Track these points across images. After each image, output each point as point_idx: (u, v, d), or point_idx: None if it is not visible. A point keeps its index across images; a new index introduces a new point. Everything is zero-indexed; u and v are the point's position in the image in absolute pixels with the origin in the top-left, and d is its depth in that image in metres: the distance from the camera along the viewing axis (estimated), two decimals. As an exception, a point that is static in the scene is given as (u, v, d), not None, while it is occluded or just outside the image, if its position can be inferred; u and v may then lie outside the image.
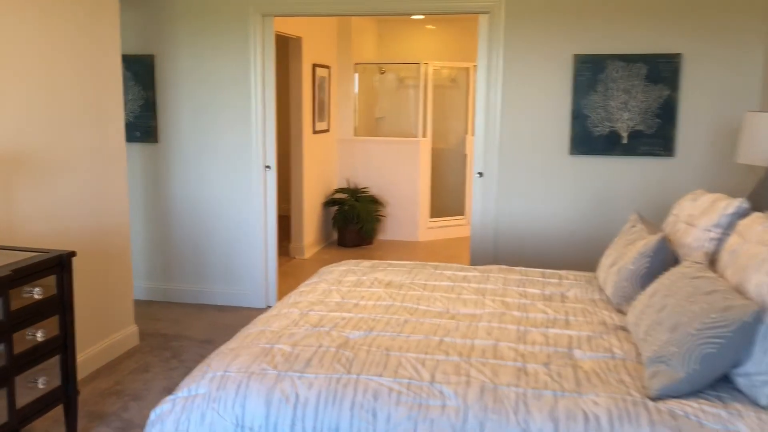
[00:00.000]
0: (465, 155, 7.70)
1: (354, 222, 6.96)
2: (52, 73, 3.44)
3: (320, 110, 6.87)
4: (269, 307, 5.06)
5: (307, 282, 3.25)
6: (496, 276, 3.22)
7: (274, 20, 4.82)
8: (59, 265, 2.93)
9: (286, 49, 6.33)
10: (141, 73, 4.93)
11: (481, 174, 4.60)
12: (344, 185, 7.47)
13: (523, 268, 3.38)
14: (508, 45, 4.41)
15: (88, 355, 3.78)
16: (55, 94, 3.46)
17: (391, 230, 7.48)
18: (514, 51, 4.41)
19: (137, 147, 5.03)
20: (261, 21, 4.75)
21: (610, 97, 4.29)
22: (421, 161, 7.31)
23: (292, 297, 2.96)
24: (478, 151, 4.59)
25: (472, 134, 7.73)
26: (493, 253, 4.63)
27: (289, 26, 5.91)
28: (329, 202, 7.18)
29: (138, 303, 4.95)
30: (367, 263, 3.50)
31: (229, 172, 4.93)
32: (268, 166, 4.92)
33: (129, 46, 4.87)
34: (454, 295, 2.90)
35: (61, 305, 2.96)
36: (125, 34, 4.79)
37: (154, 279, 5.18)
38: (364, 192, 7.33)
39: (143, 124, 4.98)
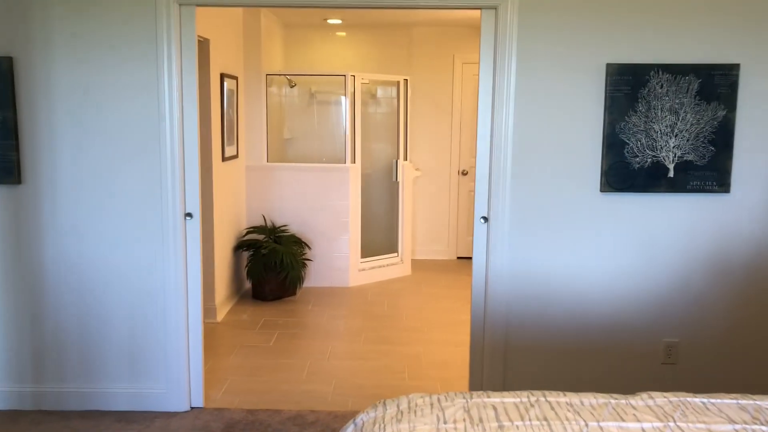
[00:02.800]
0: (397, 183, 6.59)
1: (275, 270, 5.62)
2: None
3: (229, 131, 5.49)
4: (194, 409, 3.64)
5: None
6: (694, 428, 2.01)
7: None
8: None
9: (188, 54, 4.91)
10: (-7, 83, 3.37)
11: (485, 219, 3.50)
12: (257, 223, 6.10)
13: (710, 399, 2.20)
14: (521, 52, 3.36)
15: None
16: None
17: (315, 275, 6.20)
18: (529, 59, 3.36)
19: (-11, 191, 3.46)
20: (177, 12, 3.38)
21: (654, 118, 3.35)
22: (351, 191, 6.11)
23: None
24: (482, 189, 3.49)
25: (405, 159, 6.68)
26: (504, 330, 3.53)
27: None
28: (241, 245, 5.79)
29: (-3, 422, 3.37)
30: (463, 416, 2.05)
31: (131, 223, 3.49)
32: (189, 214, 3.53)
33: (-26, 43, 3.32)
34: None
35: None
36: (-32, 26, 3.25)
37: (21, 380, 3.59)
38: (283, 231, 6.00)
39: (-2, 158, 3.42)
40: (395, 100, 6.88)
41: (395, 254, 6.63)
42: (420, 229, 7.36)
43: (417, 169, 7.17)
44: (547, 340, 3.53)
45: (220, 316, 5.24)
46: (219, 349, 4.57)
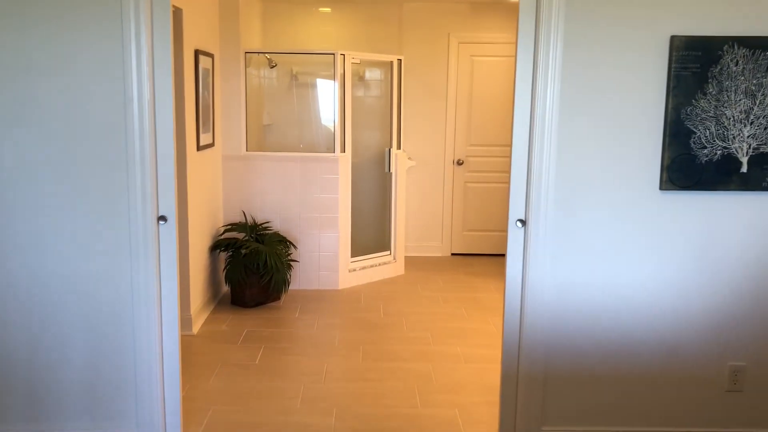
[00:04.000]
0: (389, 174, 5.99)
1: (258, 273, 4.99)
2: None
3: (205, 116, 4.82)
4: (171, 451, 3.02)
5: None
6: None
7: (168, -32, 2.79)
8: None
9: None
10: None
11: (523, 222, 2.93)
12: (236, 219, 5.46)
13: None
14: (569, 23, 2.77)
15: None
16: None
17: (301, 277, 5.59)
18: (578, 32, 2.78)
19: None
20: (147, -34, 2.72)
21: (726, 102, 2.81)
22: (341, 183, 5.49)
23: None
24: (518, 186, 2.91)
25: (398, 147, 6.08)
26: (544, 354, 2.97)
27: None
28: (218, 245, 5.14)
29: None
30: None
31: (90, 230, 2.84)
32: (162, 218, 2.89)
33: None
34: None
35: None
36: None
37: (-46, 422, 2.94)
38: (266, 228, 5.36)
39: None
40: (385, 83, 6.28)
41: (387, 252, 6.04)
42: (412, 224, 6.78)
43: (410, 159, 6.58)
44: (594, 364, 2.98)
45: (196, 327, 4.60)
46: (197, 369, 3.94)
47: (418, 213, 6.77)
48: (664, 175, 2.85)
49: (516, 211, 2.93)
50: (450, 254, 6.86)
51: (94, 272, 2.86)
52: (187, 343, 4.34)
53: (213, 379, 3.80)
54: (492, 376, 3.90)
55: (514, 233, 2.95)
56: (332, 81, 5.51)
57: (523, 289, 2.96)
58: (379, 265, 5.92)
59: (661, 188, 2.87)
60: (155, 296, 2.90)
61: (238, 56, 5.32)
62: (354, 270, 5.72)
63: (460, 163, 6.72)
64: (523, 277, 2.96)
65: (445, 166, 6.72)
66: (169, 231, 2.91)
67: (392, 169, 5.94)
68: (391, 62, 5.88)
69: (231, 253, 5.10)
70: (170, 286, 2.94)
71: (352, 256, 5.75)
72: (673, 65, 2.78)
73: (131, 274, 2.87)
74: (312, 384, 3.77)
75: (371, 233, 6.23)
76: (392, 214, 6.00)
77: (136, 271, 2.86)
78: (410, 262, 6.56)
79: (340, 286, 5.62)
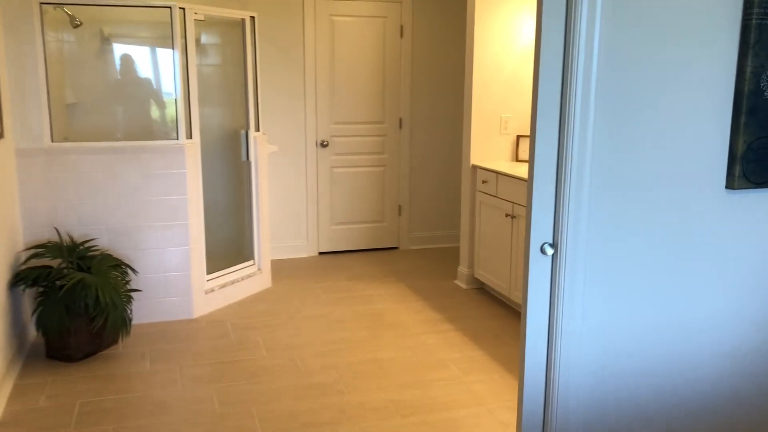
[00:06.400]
0: (248, 163, 4.73)
1: (86, 314, 3.55)
2: None
3: (-13, 96, 3.26)
4: None
5: None
6: None
7: None
8: None
9: None
10: None
11: (553, 248, 1.95)
12: (44, 238, 3.91)
13: None
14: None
15: None
16: None
17: (143, 308, 4.19)
18: (630, -47, 1.84)
19: None
20: None
21: (812, 64, 2.03)
22: (189, 180, 4.15)
23: None
24: (543, 196, 1.93)
25: (256, 129, 4.82)
26: None
27: None
28: (20, 279, 3.60)
29: None
30: None
31: None
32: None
33: None
34: None
35: None
36: None
37: None
38: (90, 249, 3.89)
39: None
40: (226, 48, 4.99)
41: (251, 262, 4.81)
42: (272, 222, 5.58)
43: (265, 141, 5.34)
44: (651, 443, 2.12)
45: (-1, 408, 3.11)
46: (11, 492, 2.53)
47: (279, 207, 5.58)
48: (736, 168, 2.03)
49: (540, 232, 1.94)
50: (318, 253, 5.77)
51: None
52: (-13, 441, 2.86)
53: None
54: (446, 436, 2.93)
55: (539, 264, 1.96)
56: (160, 45, 4.12)
57: (551, 344, 2.00)
58: (242, 279, 4.68)
59: (728, 186, 2.05)
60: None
61: (31, 8, 3.74)
62: (212, 290, 4.43)
63: (324, 144, 5.62)
64: (551, 327, 1.99)
65: (307, 149, 5.58)
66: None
67: (251, 157, 4.69)
68: (243, 20, 4.58)
69: (43, 288, 3.59)
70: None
71: (208, 272, 4.45)
72: (754, 11, 1.94)
73: None
74: (203, 491, 2.54)
75: (228, 240, 4.96)
76: (253, 213, 4.76)
77: None
78: (275, 267, 5.37)
79: (196, 314, 4.31)
